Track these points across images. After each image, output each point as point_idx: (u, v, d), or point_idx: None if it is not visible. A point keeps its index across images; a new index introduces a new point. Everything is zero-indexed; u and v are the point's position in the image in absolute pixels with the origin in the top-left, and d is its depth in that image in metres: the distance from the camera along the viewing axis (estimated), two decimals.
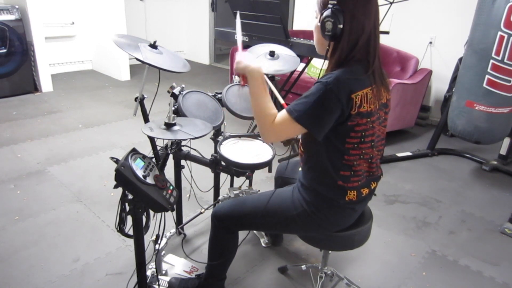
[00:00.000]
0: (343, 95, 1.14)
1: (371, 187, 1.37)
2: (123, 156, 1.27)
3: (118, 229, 1.38)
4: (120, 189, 1.27)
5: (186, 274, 1.79)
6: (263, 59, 2.13)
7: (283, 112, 1.22)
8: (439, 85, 4.09)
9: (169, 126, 1.46)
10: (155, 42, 1.71)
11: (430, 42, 4.02)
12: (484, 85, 2.68)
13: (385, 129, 1.34)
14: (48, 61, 4.60)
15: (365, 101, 1.18)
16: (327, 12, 1.17)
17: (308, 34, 1.64)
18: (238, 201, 1.50)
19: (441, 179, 3.04)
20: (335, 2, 1.16)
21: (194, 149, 1.96)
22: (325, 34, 1.19)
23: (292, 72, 3.17)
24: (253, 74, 1.31)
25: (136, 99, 1.81)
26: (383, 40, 4.00)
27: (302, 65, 2.99)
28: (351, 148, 1.23)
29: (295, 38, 2.83)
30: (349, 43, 1.18)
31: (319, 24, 1.20)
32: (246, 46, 2.93)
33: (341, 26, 1.15)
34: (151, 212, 1.46)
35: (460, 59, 3.35)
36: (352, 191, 1.29)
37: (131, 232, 1.38)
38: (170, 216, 2.00)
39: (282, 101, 1.76)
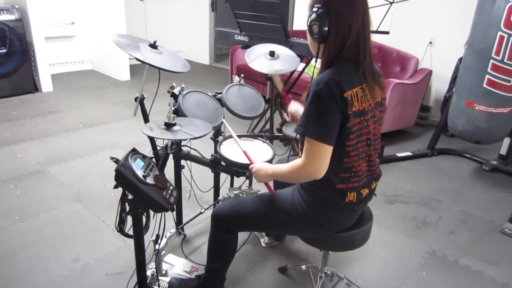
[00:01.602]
0: (336, 95, 1.15)
1: (372, 187, 1.37)
2: (123, 156, 1.27)
3: (118, 229, 1.38)
4: (120, 189, 1.27)
5: (186, 274, 1.79)
6: (263, 59, 2.13)
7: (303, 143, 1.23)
8: (439, 85, 4.09)
9: (169, 126, 1.46)
10: (155, 42, 1.71)
11: (430, 42, 4.02)
12: (484, 85, 2.68)
13: (380, 128, 1.34)
14: (48, 61, 4.59)
15: (355, 100, 1.19)
16: (313, 16, 1.17)
17: None
18: (238, 202, 1.49)
19: (441, 179, 3.04)
20: (320, 5, 1.16)
21: (194, 149, 1.96)
22: (313, 37, 1.21)
23: (292, 72, 3.17)
24: (267, 172, 1.37)
25: (136, 99, 1.81)
26: (383, 40, 4.02)
27: (302, 65, 2.99)
28: (351, 150, 1.23)
29: (295, 38, 2.83)
30: (336, 43, 1.18)
31: (307, 27, 1.22)
32: (246, 46, 2.94)
33: (326, 28, 1.16)
34: (151, 212, 1.46)
35: (460, 59, 3.35)
36: (352, 193, 1.29)
37: (131, 232, 1.38)
38: (170, 216, 2.00)
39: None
